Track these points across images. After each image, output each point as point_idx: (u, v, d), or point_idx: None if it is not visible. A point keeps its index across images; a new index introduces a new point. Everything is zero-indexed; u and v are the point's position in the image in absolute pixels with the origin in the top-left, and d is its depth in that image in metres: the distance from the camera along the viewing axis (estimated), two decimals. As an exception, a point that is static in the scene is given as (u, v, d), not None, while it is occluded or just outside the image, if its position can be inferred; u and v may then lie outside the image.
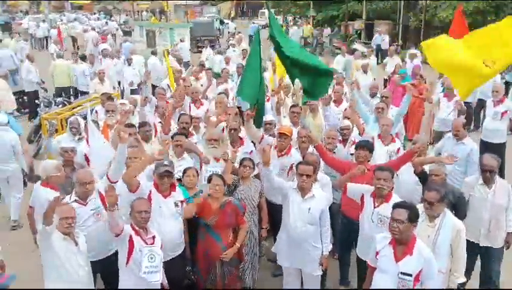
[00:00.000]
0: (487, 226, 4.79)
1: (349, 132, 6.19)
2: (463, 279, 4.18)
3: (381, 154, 5.78)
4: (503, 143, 7.81)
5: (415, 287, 3.56)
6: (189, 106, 7.75)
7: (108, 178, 4.46)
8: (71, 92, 12.75)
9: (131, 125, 5.92)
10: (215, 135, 5.36)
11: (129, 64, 12.21)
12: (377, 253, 3.78)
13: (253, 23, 32.90)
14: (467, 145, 6.04)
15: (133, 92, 11.04)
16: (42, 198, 4.66)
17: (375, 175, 4.39)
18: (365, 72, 11.11)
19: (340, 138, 6.12)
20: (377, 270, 3.79)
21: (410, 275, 3.54)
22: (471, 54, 5.78)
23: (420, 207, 4.15)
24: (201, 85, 9.85)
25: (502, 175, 7.45)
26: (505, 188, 4.81)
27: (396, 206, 3.70)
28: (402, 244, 3.63)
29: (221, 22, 34.08)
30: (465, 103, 8.26)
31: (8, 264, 4.43)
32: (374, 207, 4.43)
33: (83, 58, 13.72)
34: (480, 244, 4.87)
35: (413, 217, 3.60)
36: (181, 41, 17.66)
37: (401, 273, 3.57)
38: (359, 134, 6.26)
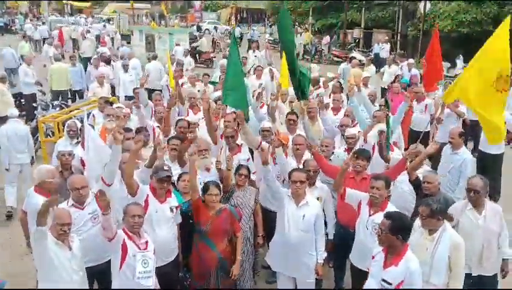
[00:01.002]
0: (479, 254, 4.47)
1: (355, 140, 6.08)
2: None
3: (379, 163, 5.78)
4: (501, 154, 7.82)
5: None
6: (187, 112, 7.75)
7: (103, 181, 4.41)
8: (68, 95, 12.71)
9: (128, 130, 5.90)
10: (203, 144, 5.33)
11: (125, 71, 12.14)
12: (373, 257, 3.87)
13: (253, 29, 32.99)
14: (460, 155, 6.07)
15: (127, 98, 10.97)
16: (34, 204, 4.59)
17: (370, 184, 4.42)
18: (365, 85, 10.94)
19: (346, 147, 6.08)
20: (369, 273, 3.90)
21: (390, 284, 3.61)
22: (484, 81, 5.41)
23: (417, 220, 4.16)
24: (198, 90, 9.85)
25: (497, 185, 7.49)
26: (496, 211, 4.50)
27: (384, 215, 3.78)
28: (392, 254, 3.68)
29: (198, 29, 34.50)
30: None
31: (2, 265, 4.39)
32: (369, 215, 4.45)
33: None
34: (473, 274, 4.53)
35: (396, 229, 3.60)
36: (176, 45, 17.72)
37: (383, 279, 3.66)
38: (363, 140, 6.23)
